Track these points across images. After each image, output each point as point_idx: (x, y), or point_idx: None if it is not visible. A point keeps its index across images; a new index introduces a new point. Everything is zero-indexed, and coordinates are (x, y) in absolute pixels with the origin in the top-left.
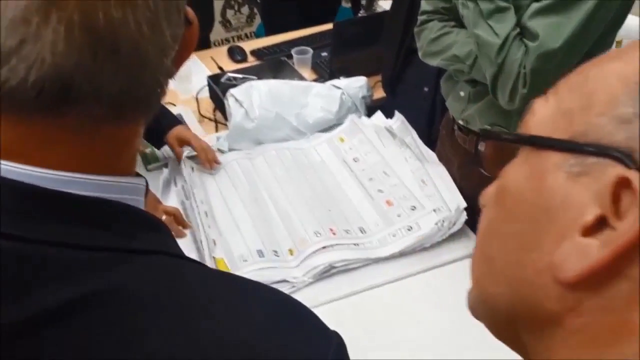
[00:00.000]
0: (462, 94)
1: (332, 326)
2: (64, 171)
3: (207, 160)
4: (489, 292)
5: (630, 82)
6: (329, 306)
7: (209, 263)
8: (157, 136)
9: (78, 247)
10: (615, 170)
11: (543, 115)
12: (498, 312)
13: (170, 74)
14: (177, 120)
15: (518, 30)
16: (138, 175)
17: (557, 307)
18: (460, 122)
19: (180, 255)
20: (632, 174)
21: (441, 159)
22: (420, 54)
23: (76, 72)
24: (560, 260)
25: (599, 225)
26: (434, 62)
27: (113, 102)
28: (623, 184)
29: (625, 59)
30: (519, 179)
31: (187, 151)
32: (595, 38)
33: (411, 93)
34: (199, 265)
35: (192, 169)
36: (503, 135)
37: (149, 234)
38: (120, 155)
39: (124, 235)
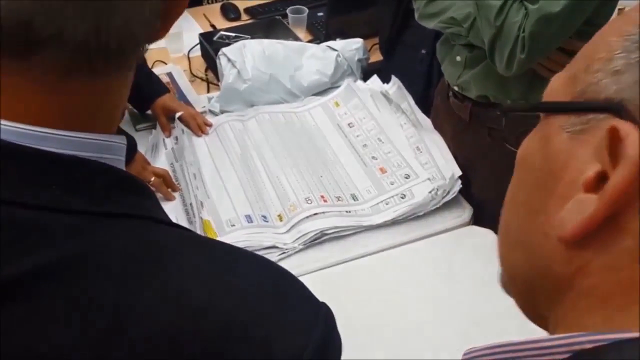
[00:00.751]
0: (458, 58)
1: (322, 293)
2: (36, 126)
3: (197, 127)
4: (508, 261)
5: (624, 34)
6: (319, 273)
7: (198, 224)
8: (141, 101)
9: (51, 210)
10: (609, 123)
11: (555, 85)
12: (517, 282)
13: (153, 27)
14: (165, 88)
15: None
16: (120, 133)
17: (565, 270)
18: (456, 88)
19: (162, 219)
20: (621, 124)
21: (435, 128)
22: (416, 15)
23: (36, 12)
24: (562, 219)
25: (601, 181)
26: (431, 24)
27: (79, 48)
28: (616, 136)
29: (626, 17)
30: (530, 147)
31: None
32: (596, 5)
33: (408, 55)
34: (182, 231)
35: (183, 130)
36: (511, 107)
37: (129, 197)
38: (97, 111)
39: (101, 197)
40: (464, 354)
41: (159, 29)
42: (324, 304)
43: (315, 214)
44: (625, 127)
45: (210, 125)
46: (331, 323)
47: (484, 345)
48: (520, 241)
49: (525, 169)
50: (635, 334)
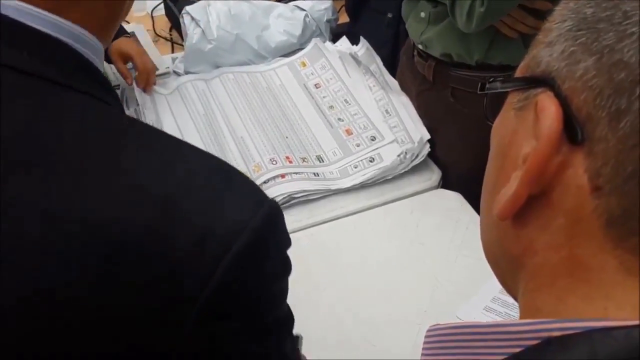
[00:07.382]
0: (422, 14)
1: (291, 257)
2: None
3: (143, 82)
4: (481, 237)
5: (564, 2)
6: None
7: None
8: None
9: (18, 71)
10: (539, 96)
11: (521, 64)
12: (489, 259)
13: None
14: (122, 31)
15: None
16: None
17: (516, 249)
18: (420, 46)
19: (118, 111)
20: (543, 97)
21: (401, 87)
22: None
23: None
24: (499, 196)
25: None
26: None
27: None
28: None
29: None
30: (495, 124)
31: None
32: None
33: (375, 19)
34: (138, 122)
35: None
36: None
37: (94, 83)
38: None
39: (68, 74)
40: (428, 331)
41: None
42: (272, 202)
43: (283, 176)
44: (544, 101)
45: (153, 84)
46: (274, 222)
47: (449, 324)
48: (485, 220)
49: (492, 146)
50: (604, 324)
